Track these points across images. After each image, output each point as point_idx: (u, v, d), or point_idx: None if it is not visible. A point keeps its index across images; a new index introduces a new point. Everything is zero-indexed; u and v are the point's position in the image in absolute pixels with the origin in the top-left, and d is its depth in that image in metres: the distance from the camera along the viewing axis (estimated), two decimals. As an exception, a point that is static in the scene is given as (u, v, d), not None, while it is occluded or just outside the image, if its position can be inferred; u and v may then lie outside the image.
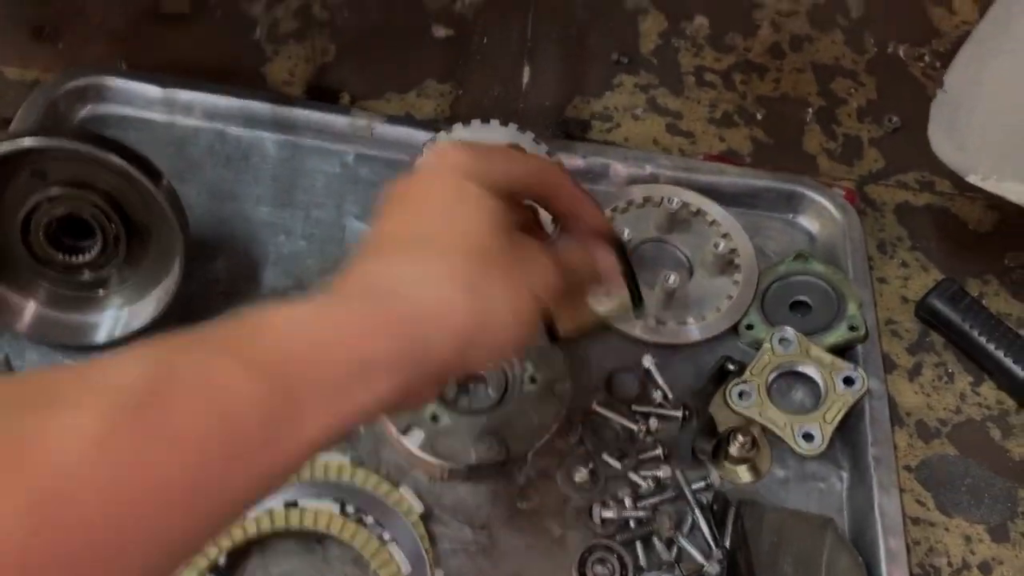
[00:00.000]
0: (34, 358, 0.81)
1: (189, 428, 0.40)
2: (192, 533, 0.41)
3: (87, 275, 0.80)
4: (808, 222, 0.98)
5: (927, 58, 1.17)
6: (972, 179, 0.78)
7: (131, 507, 0.38)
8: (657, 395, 0.85)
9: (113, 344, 0.81)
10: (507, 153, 0.62)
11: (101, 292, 0.81)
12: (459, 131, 0.93)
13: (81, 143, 0.71)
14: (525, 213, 0.63)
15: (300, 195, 0.94)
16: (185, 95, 0.95)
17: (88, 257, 0.78)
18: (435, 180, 0.56)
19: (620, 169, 0.97)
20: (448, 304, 0.50)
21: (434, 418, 0.78)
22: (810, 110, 1.10)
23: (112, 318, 0.81)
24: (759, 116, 1.09)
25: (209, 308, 0.85)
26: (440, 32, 1.12)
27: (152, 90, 0.95)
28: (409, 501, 0.75)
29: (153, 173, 0.74)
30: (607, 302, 0.71)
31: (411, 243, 0.53)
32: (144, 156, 0.75)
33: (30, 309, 0.80)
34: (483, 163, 0.56)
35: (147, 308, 0.81)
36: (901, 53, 1.18)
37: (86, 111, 0.95)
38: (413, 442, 0.77)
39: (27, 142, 0.69)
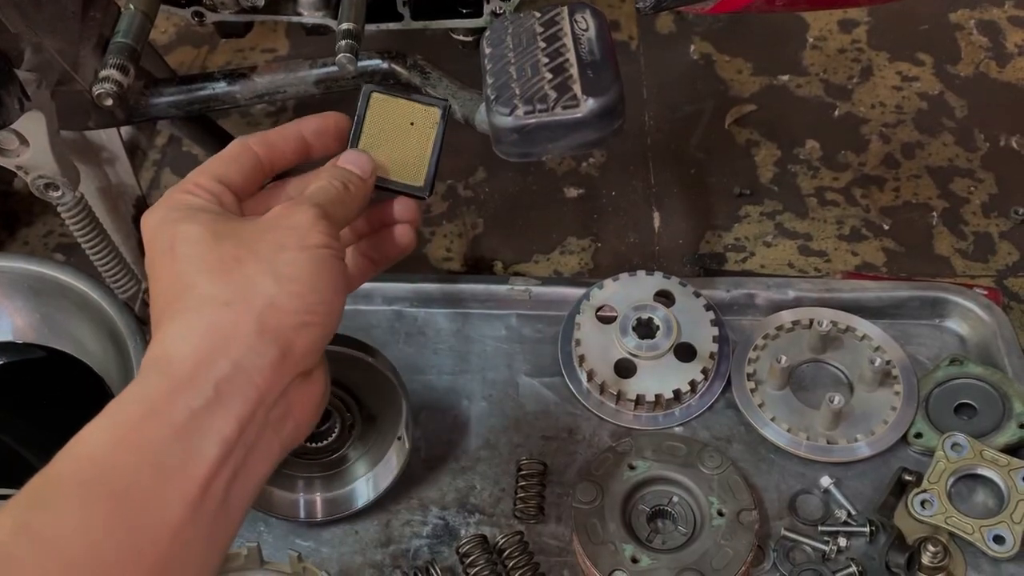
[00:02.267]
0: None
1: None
2: None
3: (330, 456, 0.90)
4: (956, 325, 1.01)
5: (1041, 146, 1.21)
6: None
7: None
8: (841, 513, 0.88)
9: (369, 506, 0.90)
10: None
11: (344, 467, 0.92)
12: (610, 285, 1.02)
13: (341, 347, 0.82)
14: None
15: (474, 360, 1.04)
16: (365, 286, 1.07)
17: (330, 440, 0.88)
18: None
19: (763, 298, 1.03)
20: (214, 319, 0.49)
21: (634, 560, 0.84)
22: (935, 213, 1.15)
23: (363, 486, 0.91)
24: (886, 226, 1.15)
25: (413, 476, 0.94)
26: (572, 192, 1.23)
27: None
28: (624, 642, 0.80)
29: (372, 352, 0.85)
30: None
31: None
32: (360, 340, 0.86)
33: (299, 500, 0.91)
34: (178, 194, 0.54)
35: (388, 470, 0.90)
36: (1014, 144, 1.22)
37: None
38: (619, 584, 0.82)
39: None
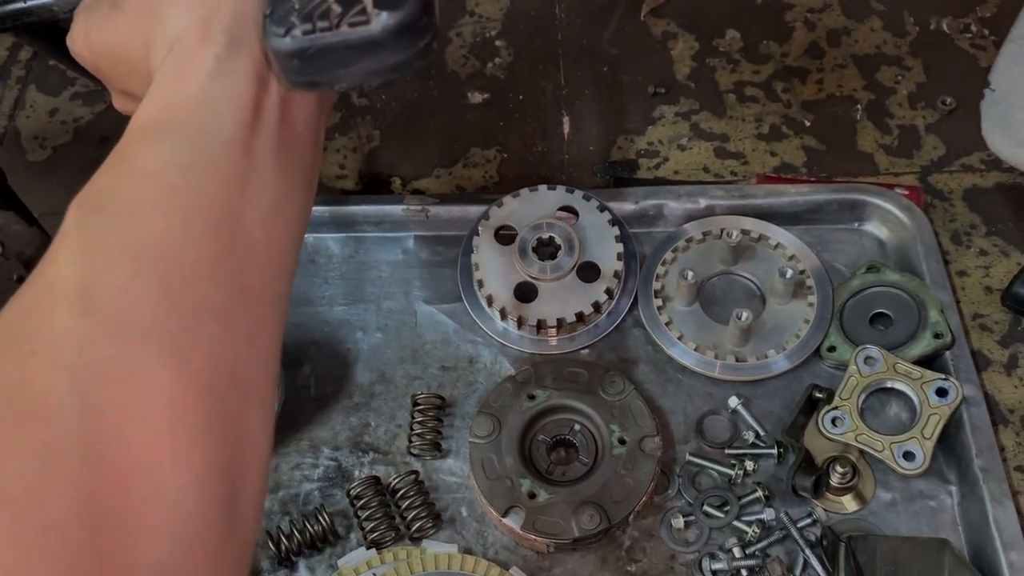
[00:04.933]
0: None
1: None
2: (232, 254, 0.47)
3: None
4: (875, 228, 0.96)
5: (973, 28, 1.14)
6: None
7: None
8: (749, 435, 0.84)
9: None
10: None
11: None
12: (510, 202, 0.95)
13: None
14: None
15: (369, 288, 0.97)
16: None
17: None
18: None
19: (674, 208, 0.97)
20: None
21: (532, 495, 0.80)
22: (859, 106, 1.08)
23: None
24: (807, 123, 1.07)
25: (303, 416, 0.89)
26: (476, 97, 1.14)
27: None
28: (521, 582, 0.77)
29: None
30: None
31: None
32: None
33: None
34: None
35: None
36: (945, 27, 1.14)
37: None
38: (515, 523, 0.79)
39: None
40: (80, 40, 0.59)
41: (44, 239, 0.92)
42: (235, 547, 0.42)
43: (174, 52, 0.51)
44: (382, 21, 0.41)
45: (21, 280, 0.95)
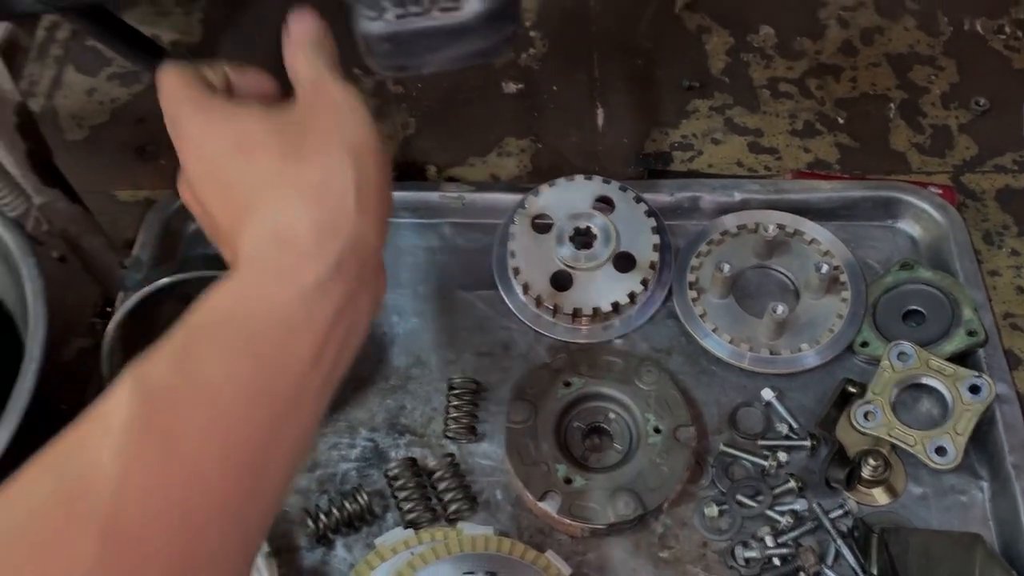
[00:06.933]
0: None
1: (195, 429, 0.45)
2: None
3: None
4: (909, 226, 0.96)
5: (1007, 29, 1.14)
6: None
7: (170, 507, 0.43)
8: (782, 427, 0.85)
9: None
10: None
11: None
12: (546, 191, 0.96)
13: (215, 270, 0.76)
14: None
15: (405, 273, 0.98)
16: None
17: None
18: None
19: (709, 201, 0.98)
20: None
21: (567, 481, 0.81)
22: (892, 105, 1.09)
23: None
24: (841, 120, 1.08)
25: (340, 397, 0.90)
26: (511, 88, 1.14)
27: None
28: (556, 565, 0.78)
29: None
30: None
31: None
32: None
33: None
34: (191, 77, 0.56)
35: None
36: (979, 28, 1.15)
37: (195, 226, 1.01)
38: (551, 507, 0.80)
39: (165, 280, 0.76)
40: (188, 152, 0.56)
41: (87, 217, 0.93)
42: None
43: (279, 247, 0.50)
44: (473, 7, 0.42)
45: (63, 259, 0.96)
